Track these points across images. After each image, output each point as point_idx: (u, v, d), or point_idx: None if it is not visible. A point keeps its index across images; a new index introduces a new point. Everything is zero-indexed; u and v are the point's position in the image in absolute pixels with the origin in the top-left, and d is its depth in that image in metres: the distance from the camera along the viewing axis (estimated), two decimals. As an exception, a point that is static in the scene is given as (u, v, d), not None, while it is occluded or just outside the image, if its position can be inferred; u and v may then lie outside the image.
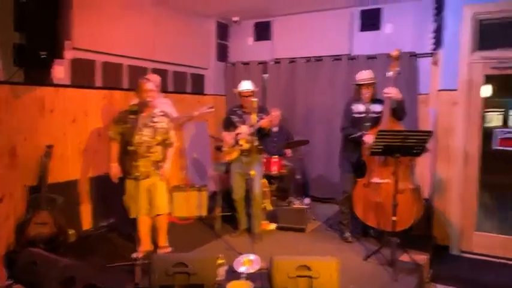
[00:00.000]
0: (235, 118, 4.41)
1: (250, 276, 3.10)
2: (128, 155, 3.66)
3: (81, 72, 4.45)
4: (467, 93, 4.21)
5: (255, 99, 3.66)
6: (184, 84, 6.09)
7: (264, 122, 4.09)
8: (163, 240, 3.95)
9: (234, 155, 4.36)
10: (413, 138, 3.37)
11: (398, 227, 3.63)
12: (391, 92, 3.79)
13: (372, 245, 4.12)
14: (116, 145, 3.75)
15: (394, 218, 3.52)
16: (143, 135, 3.58)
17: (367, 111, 4.10)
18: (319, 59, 5.98)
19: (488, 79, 4.20)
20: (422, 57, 5.30)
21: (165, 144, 3.74)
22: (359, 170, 4.14)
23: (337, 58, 5.84)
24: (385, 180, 3.88)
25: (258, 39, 6.58)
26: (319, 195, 6.10)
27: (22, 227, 3.77)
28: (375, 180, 3.95)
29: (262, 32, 6.50)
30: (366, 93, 4.08)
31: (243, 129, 4.29)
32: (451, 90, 4.30)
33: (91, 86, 4.60)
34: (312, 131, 6.05)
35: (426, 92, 5.29)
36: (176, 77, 5.91)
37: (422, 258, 3.77)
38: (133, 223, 4.58)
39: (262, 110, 4.38)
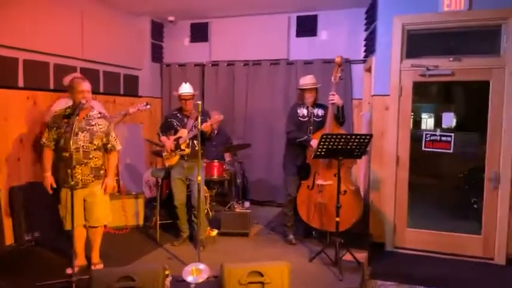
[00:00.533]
0: (174, 122, 4.26)
1: (199, 286, 2.99)
2: (62, 162, 3.34)
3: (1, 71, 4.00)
4: (398, 98, 4.47)
5: (200, 102, 3.55)
6: (117, 85, 5.75)
7: (207, 126, 3.99)
8: (96, 255, 3.66)
9: (175, 160, 4.20)
10: (355, 141, 3.50)
11: (341, 227, 3.77)
12: (334, 98, 3.93)
13: (314, 246, 4.21)
14: (49, 153, 3.41)
15: (337, 219, 3.63)
16: (79, 140, 3.30)
17: (310, 116, 4.21)
18: (257, 62, 6.01)
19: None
20: (355, 63, 5.57)
21: (106, 149, 3.48)
22: (303, 172, 4.21)
23: (275, 62, 5.91)
24: (328, 182, 4.00)
25: (194, 40, 6.43)
26: (258, 199, 6.12)
27: None
28: (319, 182, 4.04)
29: (199, 33, 6.37)
30: (309, 97, 4.19)
31: (184, 133, 4.16)
32: (383, 96, 4.54)
33: (12, 86, 4.14)
34: (251, 134, 6.05)
35: (359, 97, 5.57)
36: (108, 78, 5.56)
37: (362, 256, 3.93)
38: (62, 236, 4.23)
39: (204, 113, 4.28)
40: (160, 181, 4.58)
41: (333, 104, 3.99)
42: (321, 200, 4.03)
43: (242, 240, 4.46)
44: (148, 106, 4.43)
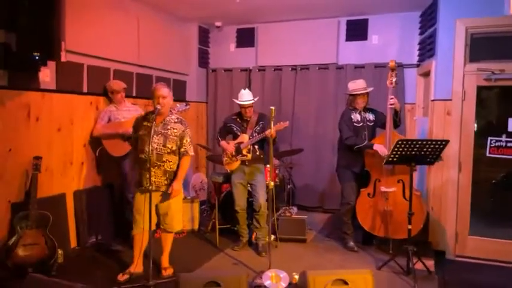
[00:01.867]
0: (234, 127, 4.26)
1: (278, 293, 2.96)
2: (138, 164, 3.39)
3: (67, 76, 4.06)
4: (461, 103, 4.38)
5: (273, 107, 3.53)
6: (167, 90, 5.78)
7: (272, 132, 3.97)
8: (166, 260, 3.67)
9: (235, 165, 4.20)
10: (430, 147, 3.43)
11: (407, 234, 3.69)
12: (394, 102, 3.89)
13: (376, 253, 4.15)
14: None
15: (409, 226, 3.56)
16: (153, 143, 3.34)
17: (363, 120, 4.19)
18: (305, 67, 5.98)
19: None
20: (408, 67, 5.48)
21: (179, 153, 3.50)
22: (361, 180, 4.16)
23: (324, 67, 5.87)
24: (392, 189, 3.94)
25: (240, 45, 6.44)
26: (305, 204, 6.06)
27: (8, 249, 3.34)
28: (382, 189, 3.97)
29: (245, 38, 6.38)
30: (361, 102, 4.17)
31: (245, 139, 4.15)
32: (445, 100, 4.45)
33: (78, 92, 4.22)
34: (298, 139, 6.00)
35: (412, 102, 5.48)
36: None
37: (430, 264, 3.84)
38: (124, 240, 4.28)
39: (264, 118, 4.27)
40: (212, 186, 4.58)
41: (391, 108, 3.95)
42: (386, 208, 3.96)
43: (301, 247, 4.41)
44: (188, 107, 4.40)
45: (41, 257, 3.42)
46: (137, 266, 3.49)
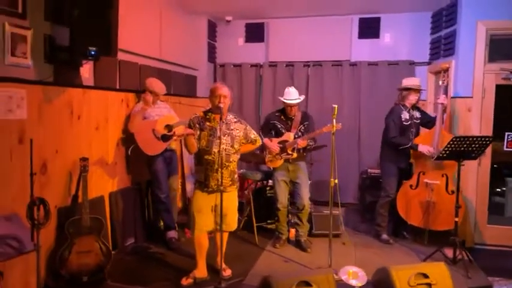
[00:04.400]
0: (278, 124, 4.23)
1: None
2: (203, 165, 3.29)
3: (103, 72, 3.84)
4: (481, 100, 4.65)
5: (336, 106, 3.56)
6: (182, 86, 5.63)
7: (303, 141, 4.04)
8: (223, 260, 3.60)
9: (279, 162, 4.18)
10: (477, 143, 3.62)
11: (447, 226, 4.00)
12: (445, 100, 4.06)
13: (412, 245, 4.31)
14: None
15: (456, 219, 3.76)
16: (222, 144, 3.25)
17: (411, 118, 4.32)
18: (318, 63, 6.04)
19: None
20: (419, 65, 5.71)
21: (250, 140, 3.53)
22: (405, 172, 4.34)
23: (337, 63, 5.96)
24: (436, 182, 4.13)
25: (249, 40, 6.38)
26: (317, 199, 6.15)
27: (61, 257, 3.13)
28: (427, 180, 4.16)
29: (255, 33, 6.32)
30: (413, 99, 4.33)
31: (290, 137, 4.14)
32: (465, 98, 4.70)
33: (113, 88, 4.00)
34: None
35: (423, 99, 5.71)
36: (176, 78, 5.44)
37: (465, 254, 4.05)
38: (159, 243, 4.16)
39: (308, 118, 4.28)
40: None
41: (443, 105, 4.16)
42: (429, 199, 4.14)
43: (336, 242, 4.44)
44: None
45: (97, 264, 3.24)
46: (202, 271, 3.41)
